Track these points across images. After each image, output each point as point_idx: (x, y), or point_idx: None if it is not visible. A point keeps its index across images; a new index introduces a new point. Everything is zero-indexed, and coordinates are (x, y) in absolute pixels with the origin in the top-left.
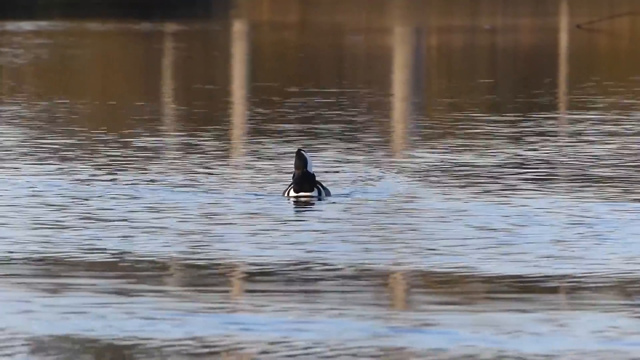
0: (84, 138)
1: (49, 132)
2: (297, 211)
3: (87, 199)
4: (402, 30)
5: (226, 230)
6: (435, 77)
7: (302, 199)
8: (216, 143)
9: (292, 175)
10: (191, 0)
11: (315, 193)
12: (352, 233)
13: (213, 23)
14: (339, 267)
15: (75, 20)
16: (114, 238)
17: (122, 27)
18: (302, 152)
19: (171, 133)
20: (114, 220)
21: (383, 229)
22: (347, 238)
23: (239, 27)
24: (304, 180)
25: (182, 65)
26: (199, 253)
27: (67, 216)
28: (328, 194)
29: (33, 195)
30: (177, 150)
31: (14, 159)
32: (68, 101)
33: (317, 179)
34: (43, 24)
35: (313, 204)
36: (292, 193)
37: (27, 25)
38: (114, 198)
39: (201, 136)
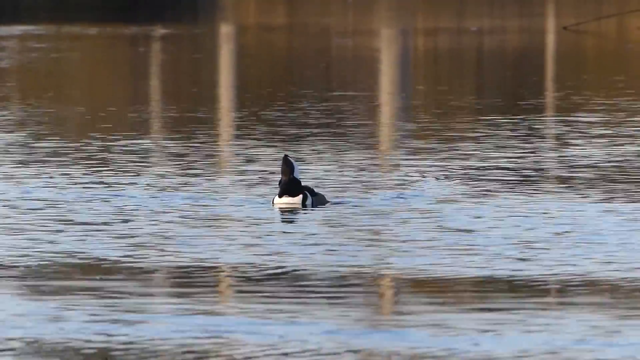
0: (70, 142)
1: (35, 136)
2: (280, 217)
3: (69, 203)
4: (389, 33)
5: (211, 235)
6: (422, 79)
7: (285, 207)
8: (202, 146)
9: (278, 181)
10: (177, 3)
11: (298, 200)
12: (338, 239)
13: (200, 26)
14: (332, 271)
15: (61, 23)
16: (94, 242)
17: (108, 31)
18: (289, 158)
19: (158, 136)
20: (96, 225)
21: (375, 233)
22: (332, 244)
23: (225, 30)
24: (290, 187)
25: (169, 69)
26: (182, 257)
27: (48, 220)
28: (321, 200)
29: (17, 199)
30: (164, 154)
31: (2, 163)
32: (55, 105)
33: (314, 185)
34: (29, 27)
35: (297, 211)
36: (276, 200)
37: (13, 29)
38: (94, 202)
39: (188, 139)
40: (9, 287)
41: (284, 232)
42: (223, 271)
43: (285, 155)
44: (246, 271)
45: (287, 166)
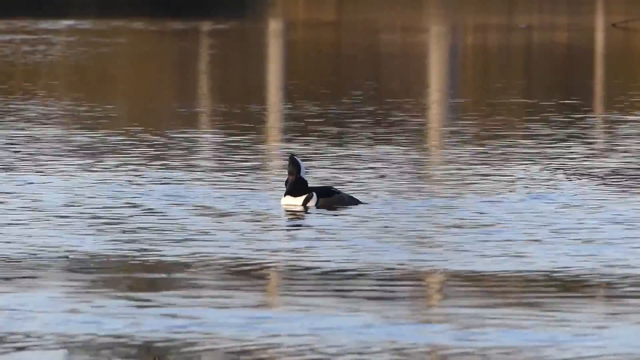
0: (117, 137)
1: (81, 131)
2: (317, 215)
3: (114, 198)
4: (438, 29)
5: (248, 229)
6: (470, 76)
7: (288, 208)
8: (251, 143)
9: (285, 181)
10: None
11: (299, 201)
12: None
13: (249, 22)
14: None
15: (111, 18)
16: (136, 240)
17: (157, 26)
18: (295, 157)
19: (206, 132)
20: (151, 219)
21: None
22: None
23: (274, 26)
24: (294, 187)
25: (217, 64)
26: (223, 252)
27: (101, 214)
28: (336, 201)
29: (60, 194)
30: (212, 150)
31: (48, 158)
32: (102, 100)
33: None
34: (78, 22)
35: (301, 213)
36: (282, 200)
37: (62, 24)
38: (142, 197)
39: (236, 135)
40: (55, 283)
41: (322, 229)
42: (262, 267)
43: (292, 155)
44: (286, 266)
45: (294, 166)
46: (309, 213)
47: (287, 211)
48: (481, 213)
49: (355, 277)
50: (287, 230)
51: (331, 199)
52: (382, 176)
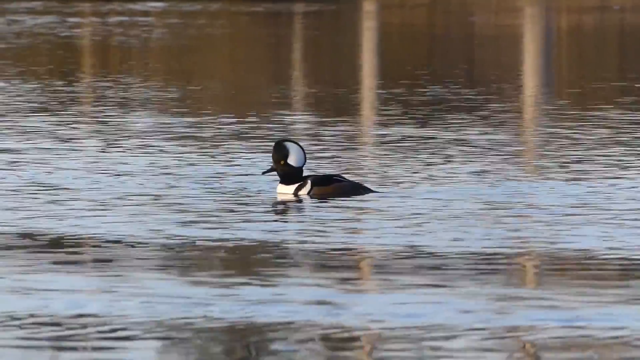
0: (210, 120)
1: (177, 114)
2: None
3: (197, 182)
4: (532, 11)
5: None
6: (564, 58)
7: (281, 196)
8: (344, 127)
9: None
10: None
11: (291, 189)
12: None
13: (342, 3)
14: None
15: (206, 0)
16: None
17: (251, 8)
18: (283, 143)
19: (299, 115)
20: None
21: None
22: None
23: (368, 7)
24: (286, 175)
25: (310, 46)
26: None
27: (195, 201)
28: (351, 189)
29: (162, 177)
30: (304, 135)
31: (142, 142)
32: (196, 82)
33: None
34: (172, 4)
35: (299, 200)
36: (277, 188)
37: (157, 6)
38: (244, 182)
39: (330, 120)
40: (143, 265)
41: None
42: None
43: (278, 141)
44: (377, 250)
45: (276, 153)
46: (300, 202)
47: (283, 200)
48: (574, 197)
49: (449, 259)
50: (388, 214)
51: (327, 187)
52: (470, 162)
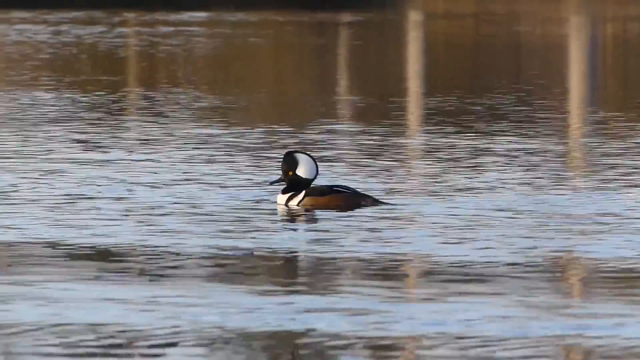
0: (254, 130)
1: (220, 124)
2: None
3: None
4: (577, 20)
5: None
6: (611, 67)
7: (278, 207)
8: (389, 137)
9: (277, 179)
10: None
11: (282, 199)
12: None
13: (388, 13)
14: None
15: (250, 10)
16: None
17: (296, 17)
18: (292, 154)
19: (344, 126)
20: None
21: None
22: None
23: (414, 17)
24: (289, 185)
25: (356, 56)
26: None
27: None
28: (353, 199)
29: (202, 190)
30: (347, 144)
31: (186, 152)
32: (239, 92)
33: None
34: (218, 14)
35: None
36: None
37: (201, 15)
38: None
39: (375, 129)
40: (183, 275)
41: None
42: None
43: (287, 152)
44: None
45: (285, 164)
46: (290, 210)
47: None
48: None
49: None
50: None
51: (320, 198)
52: (515, 171)
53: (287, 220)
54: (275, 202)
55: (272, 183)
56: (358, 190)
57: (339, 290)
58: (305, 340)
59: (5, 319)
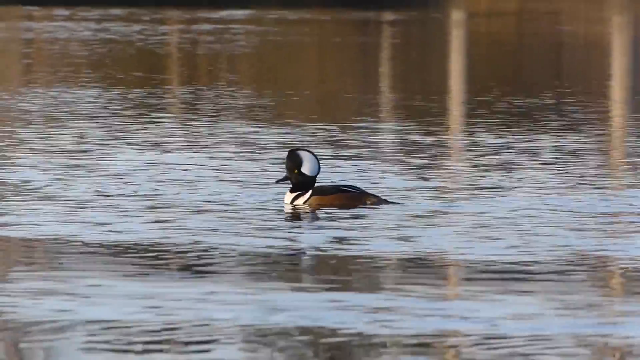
0: (296, 128)
1: (262, 123)
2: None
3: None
4: (620, 20)
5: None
6: None
7: (293, 205)
8: (432, 137)
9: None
10: None
11: (288, 198)
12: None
13: (430, 12)
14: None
15: (292, 8)
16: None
17: (338, 15)
18: (296, 152)
19: (386, 125)
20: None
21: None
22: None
23: (456, 16)
24: (296, 184)
25: (398, 54)
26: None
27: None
28: (358, 198)
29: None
30: (388, 142)
31: (222, 151)
32: (282, 91)
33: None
34: (259, 11)
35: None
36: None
37: (242, 13)
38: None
39: (416, 128)
40: (225, 272)
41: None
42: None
43: (291, 150)
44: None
45: (290, 161)
46: (296, 210)
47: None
48: None
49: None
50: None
51: (326, 197)
52: (559, 171)
53: (307, 219)
54: (283, 201)
55: (278, 182)
56: (364, 189)
57: (370, 289)
58: (338, 337)
59: (39, 316)
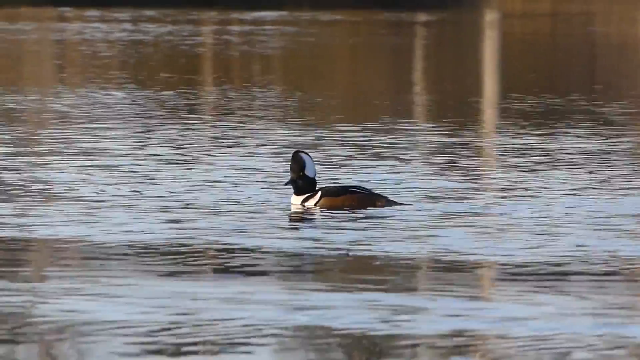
0: (329, 129)
1: (295, 123)
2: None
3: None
4: None
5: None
6: None
7: (293, 207)
8: (465, 137)
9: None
10: None
11: (298, 200)
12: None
13: (464, 12)
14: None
15: (325, 9)
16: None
17: (371, 17)
18: (300, 154)
19: (420, 125)
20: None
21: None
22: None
23: (490, 17)
24: (300, 186)
25: (432, 55)
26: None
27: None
28: (367, 199)
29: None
30: (426, 145)
31: (260, 150)
32: (315, 91)
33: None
34: (292, 13)
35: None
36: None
37: (276, 14)
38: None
39: (450, 128)
40: (254, 272)
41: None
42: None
43: (296, 151)
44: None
45: (295, 163)
46: (309, 211)
47: (296, 211)
48: None
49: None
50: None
51: (336, 199)
52: (590, 172)
53: (322, 220)
54: (292, 203)
55: (287, 183)
56: (373, 190)
57: (398, 289)
58: (364, 337)
59: (81, 317)
